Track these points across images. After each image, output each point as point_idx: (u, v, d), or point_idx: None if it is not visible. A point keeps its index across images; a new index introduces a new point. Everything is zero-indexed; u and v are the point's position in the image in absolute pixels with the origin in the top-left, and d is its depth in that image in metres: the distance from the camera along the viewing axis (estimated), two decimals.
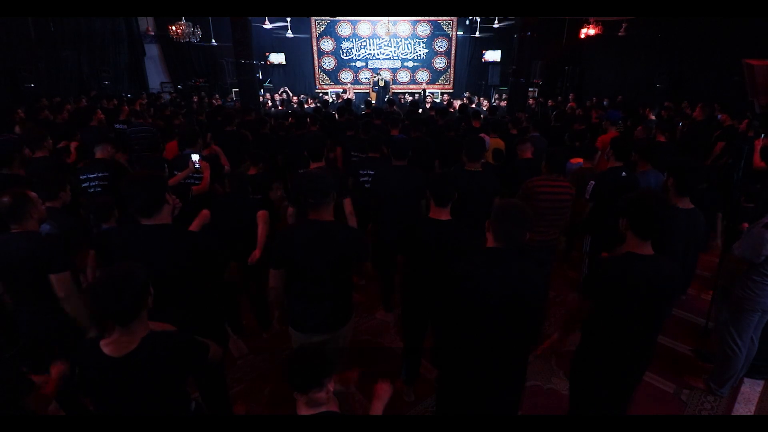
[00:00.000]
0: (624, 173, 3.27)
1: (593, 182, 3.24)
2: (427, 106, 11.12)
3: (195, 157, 3.54)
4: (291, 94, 12.60)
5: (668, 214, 1.81)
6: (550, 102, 10.76)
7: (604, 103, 9.77)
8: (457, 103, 11.09)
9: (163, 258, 1.85)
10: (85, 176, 3.46)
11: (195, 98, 10.82)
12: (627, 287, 1.78)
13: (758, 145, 4.44)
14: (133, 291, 1.39)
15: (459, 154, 3.28)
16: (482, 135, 4.02)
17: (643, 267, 1.78)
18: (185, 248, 1.92)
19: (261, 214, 3.06)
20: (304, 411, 1.48)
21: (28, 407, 1.57)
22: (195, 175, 3.58)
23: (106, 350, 1.41)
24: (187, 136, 3.91)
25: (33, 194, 2.19)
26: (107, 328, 1.46)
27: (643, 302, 1.80)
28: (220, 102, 10.95)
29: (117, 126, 6.20)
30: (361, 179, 3.66)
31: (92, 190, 3.46)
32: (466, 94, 13.50)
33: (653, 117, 7.74)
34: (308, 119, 5.89)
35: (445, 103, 10.93)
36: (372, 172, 3.50)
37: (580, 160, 4.38)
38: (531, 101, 11.04)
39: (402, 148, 3.28)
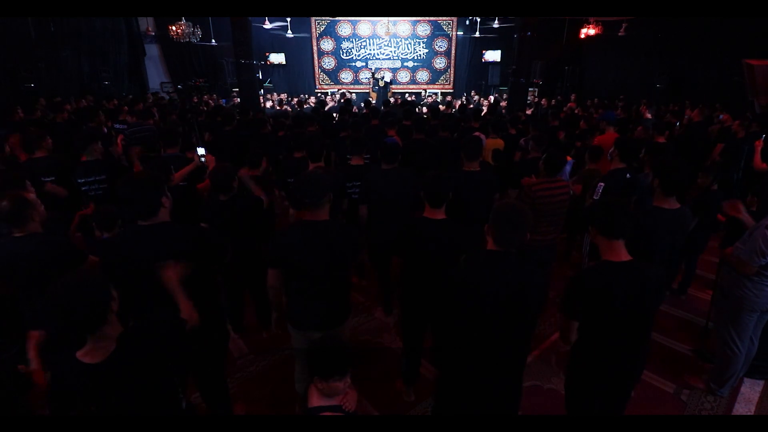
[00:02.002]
0: (628, 175, 3.26)
1: (602, 184, 3.23)
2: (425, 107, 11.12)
3: (201, 151, 3.53)
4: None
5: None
6: (544, 101, 10.76)
7: (615, 103, 9.77)
8: (457, 103, 11.09)
9: (165, 256, 1.85)
10: (83, 180, 3.39)
11: (194, 99, 10.82)
12: (605, 300, 1.76)
13: (758, 146, 4.43)
14: (87, 299, 1.31)
15: (453, 154, 3.27)
16: (478, 134, 4.02)
17: (620, 276, 1.76)
18: (187, 244, 1.93)
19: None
20: (316, 401, 1.48)
21: (27, 405, 1.56)
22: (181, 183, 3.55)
23: (84, 360, 1.36)
24: (166, 136, 3.87)
25: (31, 196, 2.16)
26: (77, 339, 1.40)
27: (625, 310, 1.78)
28: (221, 102, 10.95)
29: (117, 126, 6.21)
30: (348, 191, 3.59)
31: (93, 193, 3.42)
32: (472, 94, 13.47)
33: (649, 116, 7.74)
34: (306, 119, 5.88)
35: (447, 101, 10.90)
36: (358, 183, 3.44)
37: (569, 159, 4.39)
38: (543, 101, 11.05)
39: (391, 152, 3.26)
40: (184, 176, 3.50)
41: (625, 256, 1.80)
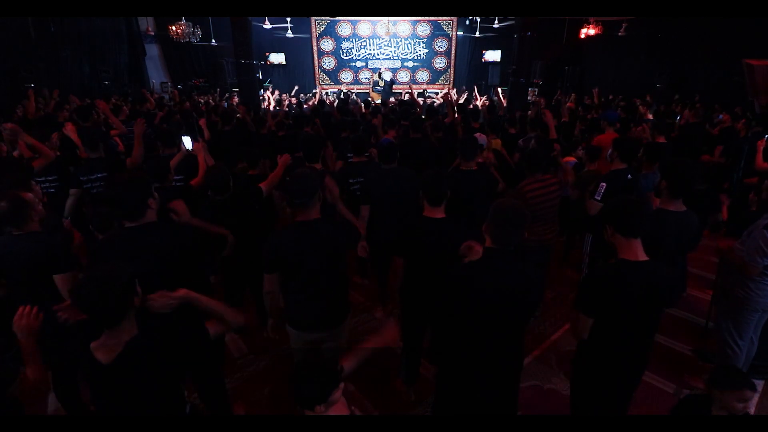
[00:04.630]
0: (629, 175, 3.24)
1: (604, 184, 3.22)
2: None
3: (187, 140, 3.50)
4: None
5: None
6: (552, 101, 10.74)
7: (610, 97, 9.74)
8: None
9: (152, 256, 1.86)
10: (85, 177, 3.43)
11: (201, 98, 10.82)
12: (621, 297, 1.77)
13: (761, 145, 4.42)
14: (116, 292, 1.35)
15: (450, 154, 3.28)
16: (479, 135, 4.02)
17: (637, 275, 1.76)
18: (173, 243, 1.94)
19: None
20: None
21: (15, 395, 1.55)
22: (176, 177, 3.52)
23: (97, 355, 1.40)
24: (163, 136, 3.89)
25: (29, 196, 2.17)
26: (95, 329, 1.44)
27: (639, 309, 1.79)
28: (222, 102, 10.92)
29: None
30: (352, 188, 3.60)
31: (95, 191, 3.45)
32: (463, 88, 13.44)
33: (650, 116, 7.73)
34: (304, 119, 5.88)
35: (436, 104, 10.88)
36: (362, 179, 3.45)
37: (572, 159, 4.37)
38: (542, 100, 11.03)
39: (388, 152, 3.27)
40: (173, 168, 3.49)
41: (642, 256, 1.81)
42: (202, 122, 5.34)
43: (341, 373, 1.50)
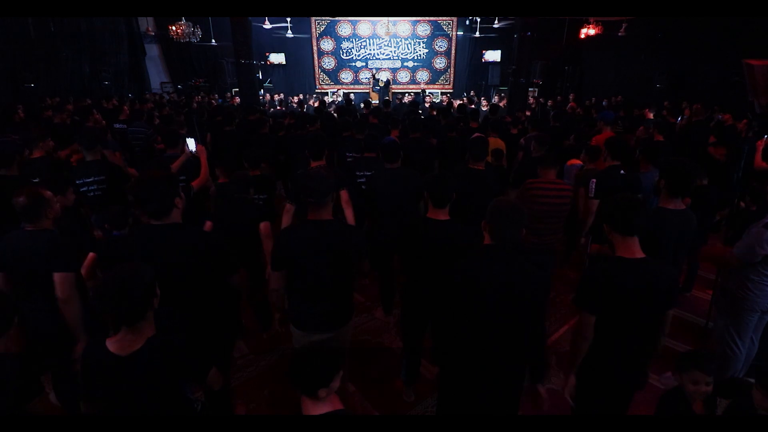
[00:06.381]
0: (622, 171, 3.27)
1: (594, 180, 3.25)
2: (426, 105, 11.11)
3: (190, 141, 3.49)
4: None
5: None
6: (550, 102, 10.75)
7: (603, 103, 9.78)
8: (457, 104, 11.09)
9: (175, 256, 1.85)
10: (81, 180, 3.35)
11: (197, 98, 10.83)
12: (618, 295, 1.77)
13: (760, 145, 4.43)
14: (139, 291, 1.39)
15: (460, 153, 3.28)
16: (479, 135, 4.02)
17: (634, 273, 1.77)
18: (198, 246, 1.92)
19: (263, 228, 2.97)
20: (311, 410, 1.47)
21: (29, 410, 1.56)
22: (181, 177, 3.52)
23: (111, 348, 1.43)
24: (167, 137, 3.88)
25: (48, 193, 2.19)
26: (112, 326, 1.47)
27: (637, 307, 1.79)
28: (218, 101, 10.94)
29: (117, 126, 6.21)
30: (358, 180, 3.62)
31: (92, 194, 3.40)
32: (471, 94, 13.47)
33: (651, 116, 7.74)
34: (308, 119, 5.89)
35: (444, 103, 10.91)
36: (369, 173, 3.48)
37: (578, 162, 4.37)
38: (531, 100, 11.06)
39: (391, 151, 3.27)
40: (176, 170, 3.49)
41: (639, 254, 1.81)
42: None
43: (339, 367, 1.50)
